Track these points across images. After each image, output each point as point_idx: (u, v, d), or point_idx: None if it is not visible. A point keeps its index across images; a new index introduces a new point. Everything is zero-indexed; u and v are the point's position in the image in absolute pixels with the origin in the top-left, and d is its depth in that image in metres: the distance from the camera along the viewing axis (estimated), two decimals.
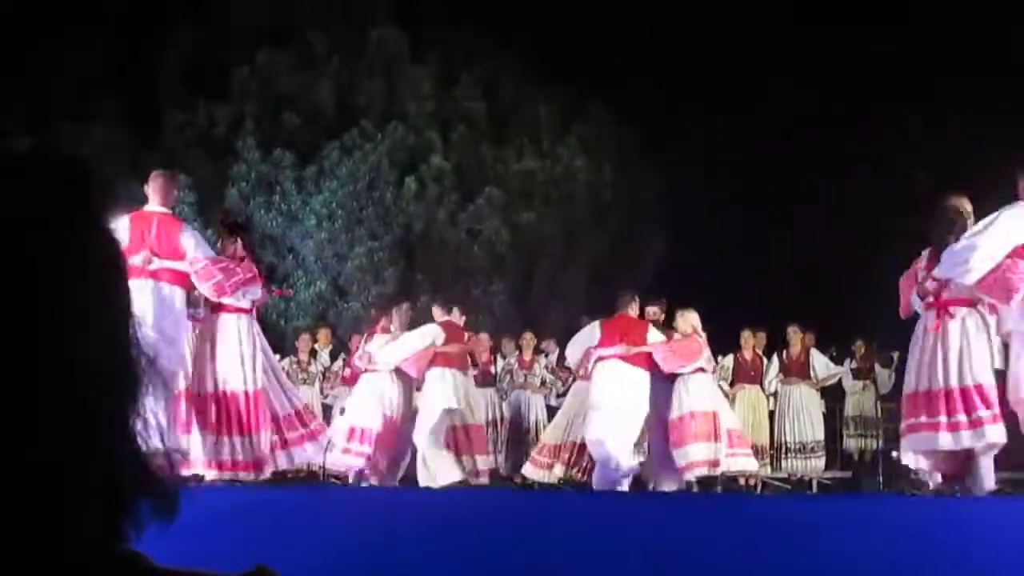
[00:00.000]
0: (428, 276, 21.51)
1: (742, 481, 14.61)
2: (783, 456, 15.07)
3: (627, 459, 12.27)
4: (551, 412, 15.21)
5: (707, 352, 12.74)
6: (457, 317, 13.75)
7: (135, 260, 9.29)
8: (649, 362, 12.40)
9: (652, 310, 13.12)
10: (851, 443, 16.36)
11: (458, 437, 13.28)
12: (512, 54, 23.92)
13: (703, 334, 12.91)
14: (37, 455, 0.81)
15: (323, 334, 17.30)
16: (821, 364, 15.25)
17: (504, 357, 16.30)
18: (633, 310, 12.74)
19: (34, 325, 0.81)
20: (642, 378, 12.37)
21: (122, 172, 20.30)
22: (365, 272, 21.02)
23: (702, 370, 12.64)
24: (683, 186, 22.27)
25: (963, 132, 20.31)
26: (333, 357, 16.72)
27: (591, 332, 12.67)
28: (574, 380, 15.47)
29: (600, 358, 12.44)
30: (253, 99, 22.00)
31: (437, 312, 13.63)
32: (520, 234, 22.35)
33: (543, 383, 15.69)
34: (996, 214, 8.93)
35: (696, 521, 7.76)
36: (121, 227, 9.38)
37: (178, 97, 22.07)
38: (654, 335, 12.53)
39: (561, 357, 16.65)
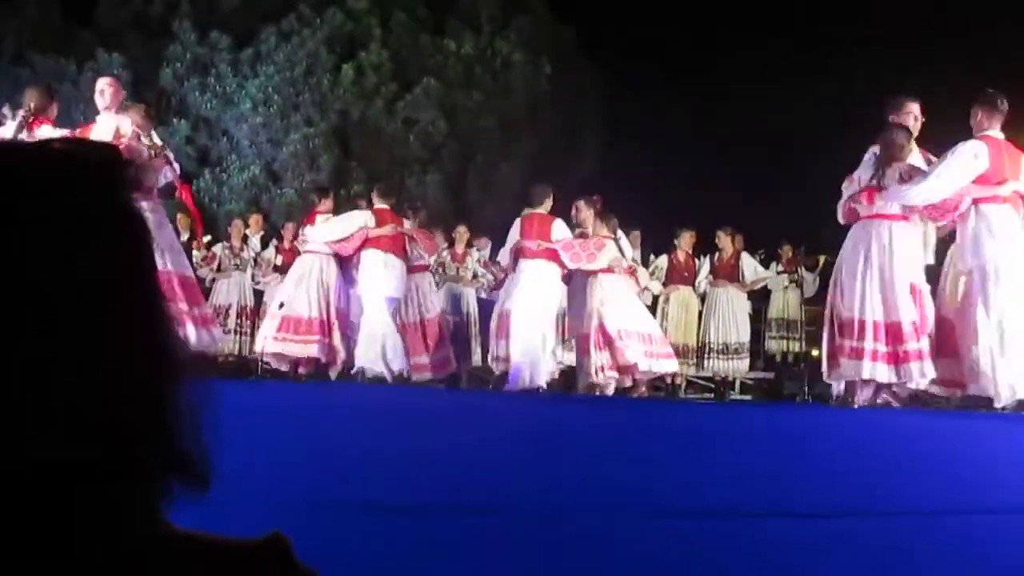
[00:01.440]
0: (363, 164, 21.45)
1: (668, 380, 14.85)
2: (707, 356, 15.28)
3: (533, 355, 12.31)
4: (482, 306, 15.31)
5: (614, 254, 12.62)
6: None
7: None
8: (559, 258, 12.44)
9: (579, 204, 13.00)
10: (773, 344, 16.60)
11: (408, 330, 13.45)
12: None
13: (622, 237, 12.98)
14: (78, 437, 0.83)
15: (255, 220, 17.07)
16: (750, 268, 15.42)
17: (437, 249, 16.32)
18: (545, 206, 12.75)
19: (68, 315, 0.82)
20: (554, 273, 12.44)
21: (56, 50, 20.11)
22: (300, 159, 20.91)
23: (611, 271, 12.59)
24: (622, 83, 22.31)
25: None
26: (264, 244, 16.61)
27: (514, 228, 12.75)
28: (505, 276, 15.60)
29: (518, 253, 12.54)
30: None
31: (375, 199, 13.66)
32: (457, 126, 22.28)
33: (474, 276, 15.75)
34: (952, 154, 9.10)
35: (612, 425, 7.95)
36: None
37: None
38: (559, 231, 12.52)
39: (494, 252, 16.75)
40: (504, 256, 13.14)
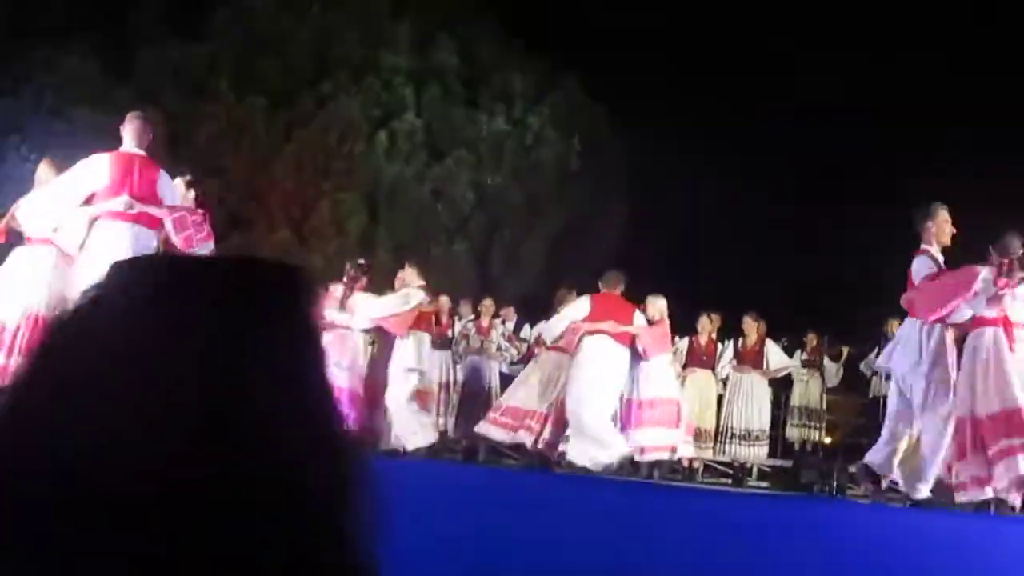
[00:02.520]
0: (390, 232, 21.60)
1: (685, 463, 14.88)
2: (727, 441, 15.25)
3: (606, 432, 12.43)
4: (503, 379, 15.36)
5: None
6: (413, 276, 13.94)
7: (116, 204, 9.28)
8: (631, 342, 12.60)
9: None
10: (794, 432, 16.60)
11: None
12: (491, 17, 24.00)
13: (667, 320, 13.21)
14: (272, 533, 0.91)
15: None
16: (775, 355, 15.42)
17: (460, 320, 16.39)
18: (619, 289, 12.89)
19: (253, 424, 0.90)
20: (625, 357, 12.59)
21: (93, 104, 20.33)
22: (327, 223, 21.06)
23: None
24: (648, 166, 22.46)
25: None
26: None
27: (580, 305, 12.79)
28: (528, 349, 15.66)
29: (588, 332, 12.60)
30: (230, 40, 21.93)
31: (412, 274, 13.60)
32: (485, 198, 22.45)
33: (498, 349, 15.81)
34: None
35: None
36: (101, 167, 9.39)
37: (155, 34, 21.94)
38: (640, 318, 12.71)
39: (518, 326, 16.82)
40: (557, 329, 13.15)
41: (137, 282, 0.96)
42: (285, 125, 21.38)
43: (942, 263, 9.46)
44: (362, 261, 13.80)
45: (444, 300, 15.22)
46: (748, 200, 22.91)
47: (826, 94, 23.99)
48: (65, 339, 0.95)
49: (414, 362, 13.13)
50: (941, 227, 9.60)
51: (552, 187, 23.20)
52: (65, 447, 0.88)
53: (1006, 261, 9.21)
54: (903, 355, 9.58)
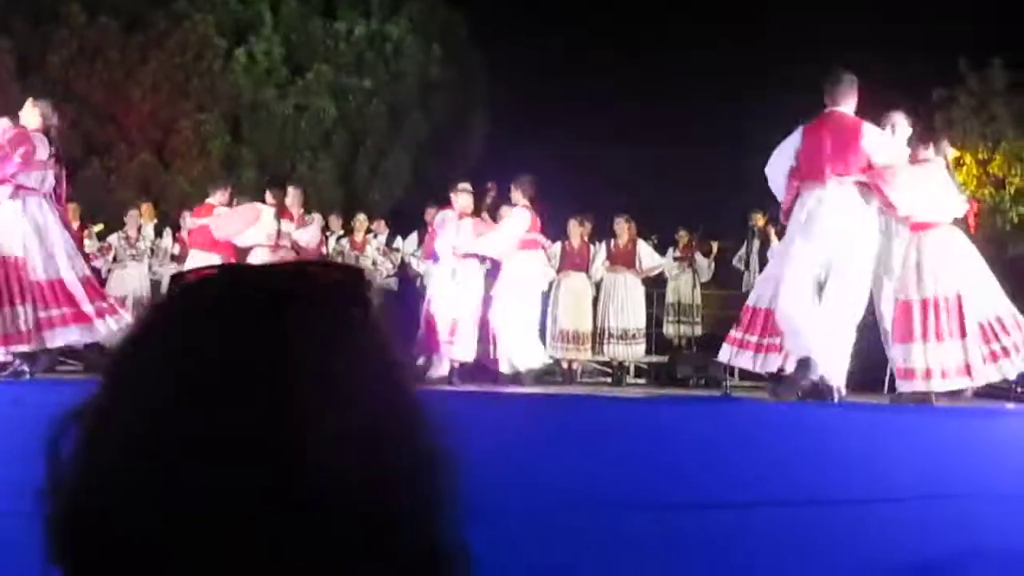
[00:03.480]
0: (253, 150, 21.33)
1: (565, 365, 15.07)
2: (605, 341, 15.41)
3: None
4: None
5: None
6: (297, 197, 13.92)
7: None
8: None
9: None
10: (670, 329, 16.86)
11: None
12: None
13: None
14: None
15: (147, 208, 16.77)
16: (647, 255, 15.60)
17: (332, 235, 16.29)
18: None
19: (331, 440, 0.89)
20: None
21: None
22: (191, 145, 20.70)
23: None
24: (509, 70, 22.39)
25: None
26: (157, 232, 16.38)
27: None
28: (402, 262, 15.70)
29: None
30: None
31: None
32: (348, 111, 22.24)
33: (374, 264, 15.76)
34: None
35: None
36: None
37: None
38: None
39: (390, 239, 16.79)
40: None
41: (201, 300, 0.95)
42: (140, 46, 20.86)
43: None
44: None
45: (316, 218, 15.09)
46: (615, 99, 23.01)
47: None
48: (143, 364, 0.93)
49: None
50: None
51: (415, 97, 23.03)
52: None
53: None
54: None
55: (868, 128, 9.25)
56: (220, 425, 0.87)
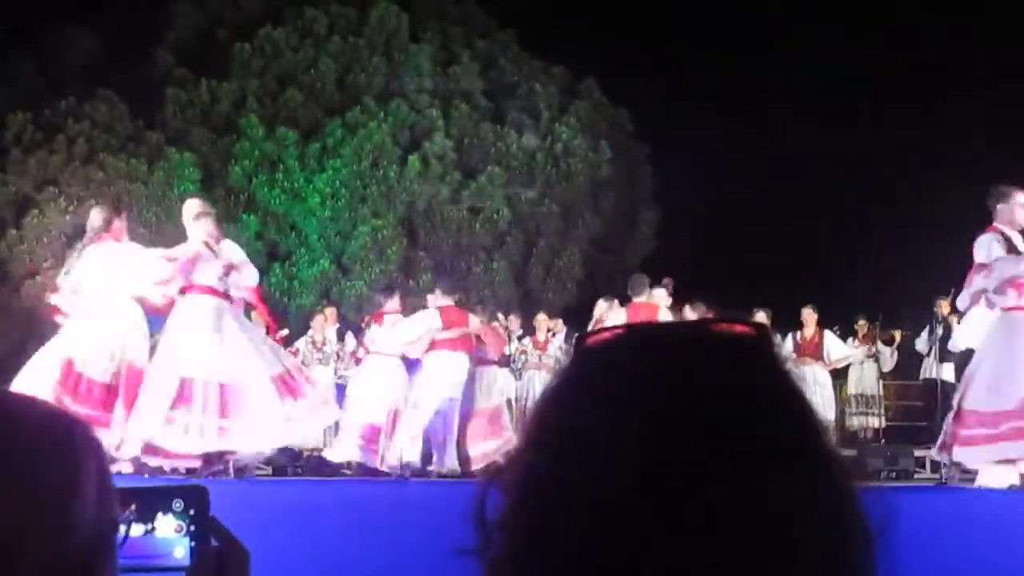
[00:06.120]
0: (430, 254, 21.64)
1: None
2: None
3: None
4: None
5: None
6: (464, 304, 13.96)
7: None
8: None
9: (659, 292, 13.22)
10: (854, 421, 16.53)
11: (466, 424, 13.19)
12: (510, 33, 24.18)
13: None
14: None
15: (331, 312, 17.10)
16: (835, 345, 15.31)
17: (511, 335, 16.34)
18: (646, 295, 12.82)
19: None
20: None
21: (124, 149, 20.47)
22: (368, 250, 21.07)
23: None
24: (679, 165, 22.44)
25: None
26: (339, 336, 16.63)
27: (616, 317, 12.72)
28: None
29: None
30: (254, 76, 22.02)
31: (437, 297, 13.33)
32: (520, 212, 22.47)
33: (556, 363, 15.75)
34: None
35: None
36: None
37: (178, 75, 22.04)
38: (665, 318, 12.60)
39: (569, 336, 16.78)
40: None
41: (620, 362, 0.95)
42: (317, 155, 21.41)
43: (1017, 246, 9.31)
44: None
45: (498, 324, 15.01)
46: (777, 190, 22.87)
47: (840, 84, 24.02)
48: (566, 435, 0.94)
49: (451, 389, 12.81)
50: (1015, 210, 9.44)
51: (585, 196, 23.17)
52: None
53: None
54: None
55: None
56: (741, 483, 0.86)
